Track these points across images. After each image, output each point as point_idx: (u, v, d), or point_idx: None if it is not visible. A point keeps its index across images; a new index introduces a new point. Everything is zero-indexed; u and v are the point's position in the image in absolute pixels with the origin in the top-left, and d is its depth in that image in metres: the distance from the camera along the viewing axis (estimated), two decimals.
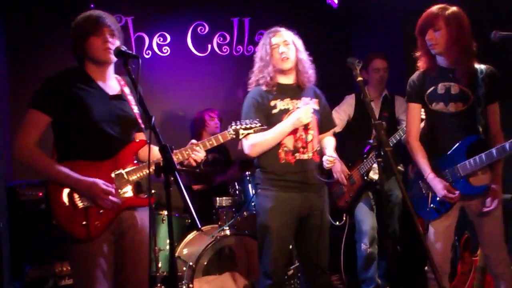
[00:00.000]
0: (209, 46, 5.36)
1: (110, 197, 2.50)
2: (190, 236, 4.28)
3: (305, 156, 3.23)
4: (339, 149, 4.46)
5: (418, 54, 3.18)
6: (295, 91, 3.31)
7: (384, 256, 4.41)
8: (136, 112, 2.70)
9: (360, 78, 2.68)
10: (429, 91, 3.13)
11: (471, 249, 3.72)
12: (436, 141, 3.16)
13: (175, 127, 5.17)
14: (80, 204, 2.50)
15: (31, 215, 4.24)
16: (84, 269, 2.52)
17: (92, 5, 4.54)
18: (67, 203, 2.49)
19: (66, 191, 2.49)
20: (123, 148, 2.62)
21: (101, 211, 2.52)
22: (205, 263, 3.99)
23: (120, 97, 2.68)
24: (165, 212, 4.31)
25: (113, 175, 2.58)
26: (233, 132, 2.92)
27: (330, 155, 3.31)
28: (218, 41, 5.38)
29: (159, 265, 4.12)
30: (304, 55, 3.31)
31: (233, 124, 2.94)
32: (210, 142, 2.81)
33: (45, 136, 2.54)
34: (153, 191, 3.87)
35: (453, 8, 3.02)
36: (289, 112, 3.23)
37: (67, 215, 2.48)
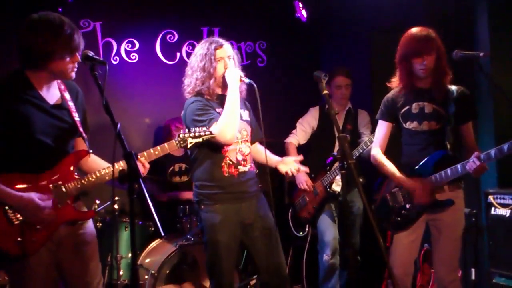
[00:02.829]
0: (178, 54, 5.34)
1: (46, 214, 2.39)
2: (153, 244, 4.25)
3: (245, 168, 3.25)
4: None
5: (397, 75, 3.25)
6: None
7: (345, 267, 4.47)
8: (77, 119, 2.58)
9: (325, 92, 2.73)
10: (403, 110, 3.24)
11: (430, 261, 3.80)
12: (406, 157, 3.27)
13: (141, 134, 5.13)
14: (15, 220, 2.38)
15: None
16: (16, 283, 2.45)
17: (60, 9, 4.49)
18: (1, 219, 2.36)
19: (0, 206, 2.36)
20: (62, 160, 2.53)
21: (38, 226, 2.41)
22: (168, 271, 3.97)
23: (61, 106, 2.56)
24: (128, 219, 4.28)
25: (51, 187, 2.47)
26: (181, 141, 2.82)
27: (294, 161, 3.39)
28: (187, 50, 5.37)
29: (121, 273, 4.07)
30: (241, 72, 3.28)
31: (181, 132, 2.86)
32: (156, 152, 2.71)
33: None
34: (116, 198, 3.89)
35: (434, 33, 3.11)
36: None
37: (1, 231, 2.35)
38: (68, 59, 2.44)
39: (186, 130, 2.89)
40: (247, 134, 3.32)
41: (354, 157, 4.16)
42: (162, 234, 1.86)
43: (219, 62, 3.19)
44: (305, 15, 5.30)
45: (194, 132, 2.83)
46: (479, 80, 4.11)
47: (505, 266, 3.53)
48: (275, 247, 3.27)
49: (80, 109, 2.65)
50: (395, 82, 3.29)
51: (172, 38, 5.32)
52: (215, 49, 3.19)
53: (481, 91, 4.07)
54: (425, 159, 3.15)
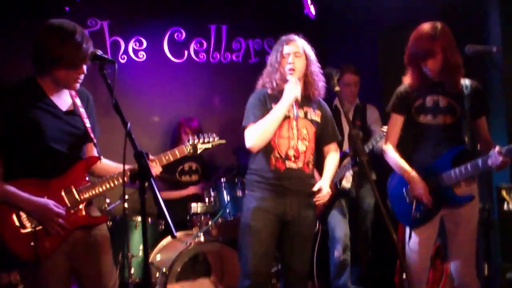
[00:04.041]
0: (186, 52, 5.34)
1: (60, 221, 2.41)
2: (164, 242, 4.25)
3: (295, 166, 3.23)
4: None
5: (408, 73, 3.20)
6: (301, 100, 3.27)
7: (356, 263, 4.46)
8: (88, 126, 2.60)
9: (337, 88, 2.72)
10: (417, 103, 3.17)
11: (442, 257, 3.78)
12: (420, 152, 3.20)
13: (149, 133, 5.12)
14: (28, 225, 2.40)
15: None
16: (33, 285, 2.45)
17: (67, 8, 4.51)
18: (14, 223, 2.38)
19: (13, 210, 2.38)
20: (73, 165, 2.55)
21: (51, 231, 2.42)
22: (179, 269, 3.96)
23: (73, 112, 2.58)
24: (139, 219, 4.28)
25: (63, 193, 2.49)
26: (190, 147, 2.94)
27: (320, 188, 3.33)
28: (195, 48, 5.36)
29: (132, 271, 4.08)
30: (315, 68, 3.30)
31: (190, 138, 2.96)
32: (167, 158, 2.78)
33: None
34: (126, 197, 3.88)
35: (443, 28, 3.03)
36: (287, 119, 3.22)
37: (14, 235, 2.37)
38: (74, 68, 2.44)
39: (195, 137, 2.97)
40: (307, 133, 3.29)
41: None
42: (174, 234, 1.85)
43: (284, 57, 3.22)
44: (313, 12, 5.27)
45: (203, 138, 2.92)
46: (491, 74, 4.07)
47: None
48: (303, 257, 3.31)
49: (91, 115, 2.67)
50: (407, 79, 3.22)
51: (179, 36, 5.31)
52: (284, 45, 3.24)
53: (493, 85, 4.03)
54: (443, 154, 3.10)
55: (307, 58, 3.26)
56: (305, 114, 3.28)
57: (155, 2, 5.19)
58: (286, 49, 3.22)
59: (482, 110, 3.15)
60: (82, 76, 2.50)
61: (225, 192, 4.33)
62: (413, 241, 3.19)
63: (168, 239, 4.25)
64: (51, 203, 2.41)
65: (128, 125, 2.12)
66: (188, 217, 4.38)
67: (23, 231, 2.39)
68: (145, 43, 5.15)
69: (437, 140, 3.14)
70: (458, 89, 3.10)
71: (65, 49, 2.39)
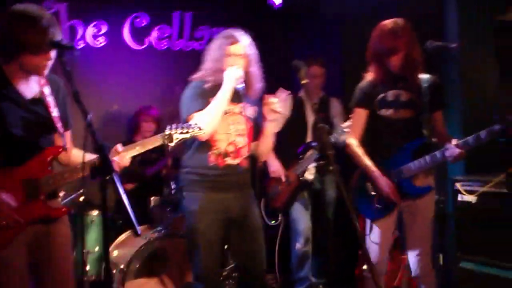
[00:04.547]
0: (147, 39, 5.19)
1: (12, 213, 2.33)
2: (122, 237, 4.10)
3: (234, 162, 3.20)
4: (274, 149, 4.49)
5: (371, 69, 3.24)
6: (237, 96, 3.23)
7: (317, 255, 4.48)
8: (55, 115, 2.51)
9: (305, 81, 2.71)
10: (379, 98, 3.23)
11: (400, 247, 3.83)
12: (381, 145, 3.27)
13: (109, 123, 4.96)
14: None
15: None
16: None
17: None
18: None
19: None
20: (36, 155, 2.45)
21: (3, 222, 2.33)
22: (137, 266, 3.83)
23: (38, 100, 2.49)
24: (94, 213, 4.15)
25: (22, 183, 2.40)
26: (166, 137, 2.67)
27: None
28: (157, 34, 5.22)
29: (87, 268, 3.95)
30: (255, 68, 3.27)
31: (167, 128, 2.72)
32: (137, 148, 2.62)
33: None
34: (82, 190, 3.74)
35: (405, 24, 3.08)
36: (224, 116, 3.16)
37: None
38: (40, 54, 2.34)
39: (173, 126, 2.73)
40: (244, 128, 3.25)
41: None
42: (139, 232, 1.77)
43: (228, 58, 3.17)
44: (277, 2, 5.21)
45: (182, 127, 2.71)
46: (447, 69, 4.14)
47: (471, 252, 3.62)
48: (257, 250, 3.24)
49: (61, 104, 2.57)
50: (369, 75, 3.28)
51: (141, 22, 5.16)
52: (229, 44, 3.18)
53: (449, 80, 4.10)
54: (404, 147, 3.18)
55: (249, 59, 3.24)
56: (242, 110, 3.26)
57: None
58: (231, 49, 3.17)
59: (439, 104, 3.24)
60: (49, 63, 2.39)
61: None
62: (374, 233, 3.26)
63: (126, 234, 4.11)
64: (1, 193, 2.33)
65: (89, 116, 2.00)
66: (147, 211, 4.25)
67: None
68: (104, 28, 4.97)
69: (398, 134, 3.21)
70: (418, 84, 3.17)
71: (30, 34, 2.29)
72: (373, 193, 3.25)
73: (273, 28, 5.66)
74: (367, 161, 3.23)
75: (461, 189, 3.64)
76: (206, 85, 3.18)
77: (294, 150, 4.41)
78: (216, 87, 3.15)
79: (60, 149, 2.53)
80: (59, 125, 2.52)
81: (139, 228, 1.82)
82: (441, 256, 3.91)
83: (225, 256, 4.06)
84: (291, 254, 4.49)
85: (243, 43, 3.21)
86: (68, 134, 2.63)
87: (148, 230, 4.05)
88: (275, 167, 4.41)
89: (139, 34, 5.16)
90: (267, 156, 3.40)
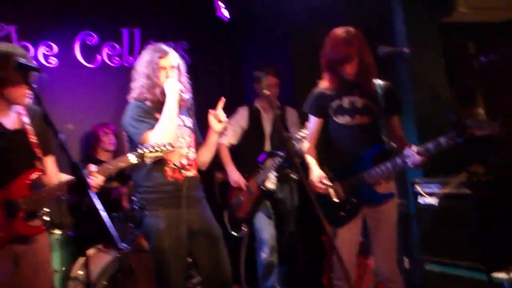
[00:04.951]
0: (99, 56, 5.18)
1: None
2: (87, 255, 3.89)
3: (190, 173, 3.22)
4: (234, 160, 4.55)
5: (325, 77, 3.25)
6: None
7: (283, 264, 4.52)
8: (34, 142, 2.69)
9: (267, 92, 2.74)
10: (334, 105, 3.24)
11: (364, 253, 3.87)
12: (339, 152, 3.28)
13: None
14: None
15: None
16: None
17: None
18: None
19: None
20: (16, 178, 2.63)
21: None
22: (104, 283, 3.81)
23: (19, 131, 2.70)
24: (57, 232, 4.07)
25: (2, 203, 2.57)
26: (139, 157, 2.79)
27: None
28: (108, 52, 5.21)
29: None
30: (184, 79, 3.29)
31: (138, 148, 2.81)
32: (110, 169, 2.75)
33: None
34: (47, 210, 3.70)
35: (357, 32, 3.11)
36: None
37: None
38: (19, 86, 2.54)
39: (147, 145, 2.82)
40: (191, 140, 3.28)
41: (283, 154, 4.23)
42: (120, 246, 1.81)
43: (162, 71, 3.16)
44: (226, 14, 5.28)
45: (153, 147, 2.80)
46: (398, 73, 4.25)
47: (435, 253, 3.66)
48: (221, 258, 3.24)
49: (40, 132, 2.74)
50: (323, 83, 3.29)
51: (91, 40, 5.14)
52: (159, 58, 3.17)
53: (401, 83, 4.21)
54: (363, 153, 3.19)
55: (179, 71, 3.27)
56: (184, 121, 3.28)
57: (64, 5, 5.00)
58: (163, 62, 3.18)
59: (395, 109, 3.27)
60: (28, 92, 2.58)
61: None
62: (339, 240, 3.23)
63: (91, 252, 4.06)
64: None
65: (61, 136, 2.03)
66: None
67: None
68: (56, 48, 4.93)
69: (356, 140, 3.22)
70: (373, 90, 3.21)
71: (8, 70, 2.49)
72: (336, 200, 3.24)
73: (222, 40, 5.73)
74: (310, 161, 3.28)
75: (421, 191, 3.71)
76: (147, 103, 3.17)
77: (253, 160, 4.46)
78: (157, 103, 3.15)
79: (36, 172, 2.67)
80: (37, 150, 2.70)
81: (120, 242, 1.84)
82: (406, 259, 4.00)
83: (188, 268, 4.07)
84: (256, 264, 4.50)
85: (173, 55, 3.24)
86: (50, 159, 2.81)
87: (112, 247, 4.01)
88: (236, 177, 4.46)
89: (90, 52, 5.15)
90: (206, 166, 3.42)
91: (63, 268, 4.02)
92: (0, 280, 2.55)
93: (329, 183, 3.18)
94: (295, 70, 5.23)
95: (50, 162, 2.82)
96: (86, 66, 5.12)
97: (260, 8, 5.27)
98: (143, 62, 3.21)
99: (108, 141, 4.72)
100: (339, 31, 3.14)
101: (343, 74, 3.13)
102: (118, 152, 4.67)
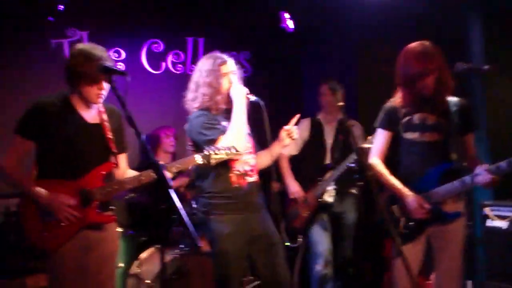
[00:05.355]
0: (163, 64, 5.33)
1: (69, 210, 2.69)
2: (145, 254, 4.12)
3: (252, 179, 3.27)
4: (294, 171, 4.56)
5: (399, 93, 3.20)
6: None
7: (337, 278, 4.49)
8: (110, 138, 2.87)
9: (341, 103, 2.75)
10: (404, 120, 3.19)
11: (424, 273, 3.79)
12: (407, 168, 3.21)
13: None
14: (45, 217, 2.70)
15: None
16: (52, 281, 2.77)
17: (50, 18, 4.47)
18: (34, 216, 2.71)
19: (34, 205, 2.71)
20: (92, 169, 2.81)
21: (62, 224, 2.70)
22: (161, 282, 3.87)
23: (97, 125, 2.87)
24: (119, 229, 4.17)
25: (76, 192, 2.76)
26: (204, 158, 2.88)
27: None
28: (173, 60, 5.36)
29: None
30: (246, 89, 3.31)
31: (205, 149, 2.90)
32: (177, 165, 2.89)
33: None
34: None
35: (434, 47, 3.06)
36: None
37: (33, 226, 2.71)
38: (93, 84, 2.72)
39: (213, 148, 2.91)
40: (251, 146, 3.33)
41: (345, 168, 4.21)
42: (199, 244, 1.89)
43: (224, 77, 3.22)
44: (291, 26, 5.33)
45: (219, 149, 2.90)
46: (473, 92, 4.15)
47: (501, 278, 3.56)
48: (281, 265, 3.26)
49: (116, 129, 2.93)
50: (397, 100, 3.22)
51: (157, 48, 5.29)
52: (220, 65, 3.23)
53: (475, 103, 4.10)
54: (430, 171, 3.12)
55: (237, 75, 3.31)
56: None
57: (134, 14, 5.17)
58: (224, 69, 3.24)
59: (469, 126, 3.18)
60: (103, 92, 2.77)
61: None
62: (400, 259, 3.07)
63: (150, 251, 4.14)
64: (61, 195, 2.71)
65: (143, 137, 2.12)
66: (170, 229, 4.27)
67: (40, 223, 2.71)
68: (123, 54, 5.10)
69: (424, 157, 3.15)
70: (446, 107, 3.13)
71: (85, 67, 2.69)
72: (399, 217, 3.19)
73: (285, 51, 5.77)
74: (394, 181, 3.18)
75: (490, 214, 3.61)
76: (212, 111, 3.22)
77: (313, 172, 4.47)
78: (221, 110, 3.22)
79: (112, 165, 2.88)
80: (112, 146, 2.89)
81: (198, 240, 1.90)
82: (469, 283, 3.88)
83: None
84: (310, 277, 4.47)
85: (231, 61, 3.29)
86: (123, 156, 3.01)
87: (171, 248, 4.10)
88: (294, 188, 4.46)
89: (155, 59, 5.31)
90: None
91: (123, 265, 4.13)
92: (70, 264, 2.72)
93: (428, 206, 3.07)
94: (359, 84, 5.22)
95: (122, 159, 3.00)
96: (151, 72, 5.28)
97: (324, 20, 5.30)
98: (203, 72, 3.26)
99: (168, 143, 4.84)
100: (415, 45, 3.09)
101: (419, 89, 3.06)
102: (176, 155, 4.79)
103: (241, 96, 3.18)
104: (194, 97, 3.28)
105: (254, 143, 3.40)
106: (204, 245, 4.03)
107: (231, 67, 3.26)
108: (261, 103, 3.19)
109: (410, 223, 3.14)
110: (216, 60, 3.25)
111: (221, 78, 3.20)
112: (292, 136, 3.28)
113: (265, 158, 3.40)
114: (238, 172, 3.20)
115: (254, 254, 3.25)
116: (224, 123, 3.20)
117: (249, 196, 3.22)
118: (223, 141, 3.06)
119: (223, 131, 3.12)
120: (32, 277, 4.03)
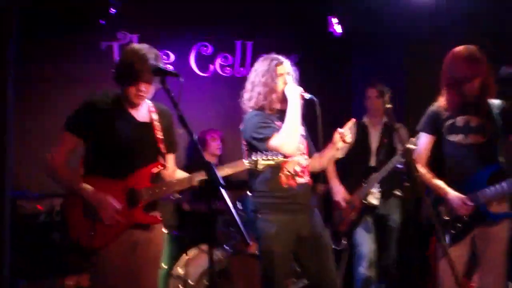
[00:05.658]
0: (212, 66, 5.43)
1: (114, 212, 2.67)
2: (190, 254, 4.21)
3: (303, 180, 3.29)
4: (340, 174, 4.57)
5: (444, 96, 3.24)
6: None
7: (381, 280, 4.48)
8: (160, 137, 2.84)
9: (389, 105, 2.78)
10: (448, 123, 3.22)
11: (468, 274, 3.77)
12: (450, 171, 3.25)
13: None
14: (90, 216, 2.67)
15: (28, 229, 4.22)
16: (95, 280, 2.78)
17: (102, 21, 4.60)
18: (79, 214, 2.69)
19: (81, 202, 2.69)
20: (139, 169, 2.78)
21: (108, 223, 2.68)
22: (206, 283, 3.97)
23: (147, 124, 2.84)
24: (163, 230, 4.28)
25: (123, 192, 2.73)
26: (251, 162, 2.90)
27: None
28: (221, 62, 5.44)
29: None
30: (301, 88, 3.34)
31: (253, 154, 2.93)
32: (227, 170, 2.86)
33: None
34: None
35: (481, 52, 3.09)
36: None
37: (79, 225, 2.68)
38: (135, 85, 2.71)
39: (260, 153, 2.94)
40: (304, 147, 3.36)
41: (388, 170, 4.21)
42: (248, 241, 1.94)
43: (279, 78, 3.26)
44: (339, 30, 5.35)
45: (267, 155, 2.92)
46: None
47: None
48: (329, 268, 3.29)
49: (166, 129, 2.90)
50: (442, 102, 3.26)
51: (206, 50, 5.40)
52: (276, 65, 3.27)
53: None
54: (478, 172, 3.13)
55: (293, 77, 3.34)
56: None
57: (183, 17, 5.28)
58: (280, 69, 3.27)
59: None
60: (143, 94, 2.74)
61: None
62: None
63: (194, 252, 4.22)
64: (109, 197, 2.68)
65: (195, 137, 2.18)
66: (214, 231, 4.36)
67: (86, 221, 2.68)
68: (172, 57, 5.22)
69: (469, 160, 3.17)
70: (488, 109, 3.15)
71: (126, 68, 2.69)
72: (446, 218, 3.21)
73: (333, 54, 5.80)
74: (439, 183, 3.22)
75: None
76: (266, 111, 3.27)
77: (357, 174, 4.47)
78: (275, 110, 3.26)
79: (159, 166, 2.84)
80: (162, 146, 2.86)
81: (249, 238, 1.95)
82: (510, 285, 3.83)
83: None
84: (354, 278, 4.49)
85: (287, 63, 3.33)
86: (171, 157, 2.99)
87: (215, 249, 4.14)
88: (339, 191, 4.47)
89: (204, 61, 5.43)
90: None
91: (166, 266, 4.20)
92: (114, 264, 2.70)
93: (471, 203, 3.12)
94: (408, 87, 5.20)
95: (171, 159, 2.97)
96: (199, 74, 5.39)
97: (372, 22, 5.29)
98: (259, 72, 3.31)
99: (215, 146, 4.91)
100: (462, 49, 3.13)
101: (464, 92, 3.10)
102: (222, 158, 4.87)
103: (295, 95, 3.20)
104: (250, 96, 3.34)
105: (309, 145, 3.43)
106: (252, 246, 4.14)
107: (287, 68, 3.31)
108: (316, 100, 3.22)
109: (457, 224, 3.16)
110: (272, 61, 3.30)
111: (277, 78, 3.25)
112: (346, 139, 3.27)
113: (318, 162, 3.43)
114: (288, 173, 3.23)
115: (302, 255, 3.29)
116: (278, 123, 3.24)
117: (299, 197, 3.24)
118: (276, 139, 3.10)
119: (277, 130, 3.16)
120: (73, 277, 4.05)
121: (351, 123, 3.32)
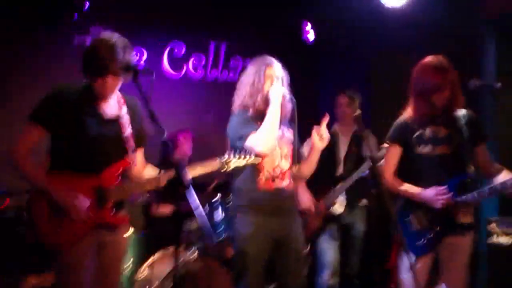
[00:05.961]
0: (185, 66, 5.39)
1: (82, 209, 2.58)
2: (154, 257, 4.13)
3: (282, 184, 3.28)
4: (307, 182, 4.57)
5: (411, 106, 3.25)
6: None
7: None
8: (128, 133, 2.76)
9: (358, 112, 2.79)
10: (416, 134, 3.22)
11: (430, 284, 3.80)
12: (421, 182, 3.22)
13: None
14: (56, 213, 2.57)
15: None
16: (60, 280, 2.68)
17: (75, 15, 4.53)
18: (46, 211, 2.58)
19: (46, 199, 2.58)
20: (108, 166, 2.70)
21: (75, 221, 2.59)
22: (170, 285, 3.91)
23: (115, 120, 2.75)
24: (130, 231, 4.21)
25: (92, 189, 2.65)
26: (224, 163, 2.89)
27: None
28: (194, 63, 5.41)
29: None
30: (286, 91, 3.34)
31: (226, 154, 2.91)
32: (198, 169, 2.82)
33: None
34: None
35: (449, 62, 3.11)
36: None
37: (45, 221, 2.58)
38: (101, 77, 2.64)
39: (232, 153, 2.92)
40: (288, 151, 3.34)
41: (356, 179, 4.24)
42: (215, 241, 1.93)
43: (267, 80, 3.26)
44: (311, 37, 5.39)
45: (239, 155, 2.90)
46: (483, 107, 4.18)
47: None
48: (298, 273, 3.30)
49: (135, 123, 2.82)
50: (409, 113, 3.27)
51: (179, 50, 5.35)
52: (265, 67, 3.28)
53: (485, 119, 4.10)
54: (448, 182, 3.12)
55: (283, 81, 3.34)
56: (283, 132, 3.33)
57: (158, 14, 5.22)
58: (269, 71, 3.27)
59: (480, 137, 3.22)
60: (110, 85, 2.67)
61: (220, 209, 4.30)
62: (419, 270, 3.10)
63: (159, 254, 4.13)
64: (76, 193, 2.60)
65: (165, 134, 2.14)
66: (180, 234, 4.30)
67: (52, 218, 2.58)
68: (145, 54, 5.16)
69: (438, 170, 3.17)
70: (455, 119, 3.18)
71: (106, 59, 2.61)
72: (417, 227, 3.20)
73: (302, 61, 5.80)
74: (409, 188, 3.21)
75: (496, 230, 3.62)
76: (250, 111, 3.26)
77: (325, 181, 4.46)
78: (259, 111, 3.23)
79: (128, 164, 2.76)
80: (130, 142, 2.77)
81: (214, 238, 1.92)
82: None
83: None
84: (316, 286, 4.49)
85: (278, 66, 3.33)
86: (140, 151, 2.89)
87: (182, 252, 4.10)
88: (305, 198, 4.46)
89: (177, 61, 5.38)
90: (305, 179, 3.47)
91: (131, 268, 4.13)
92: (80, 263, 2.63)
93: (449, 193, 3.11)
94: (373, 95, 5.24)
95: (140, 154, 2.90)
96: (171, 74, 5.36)
97: (340, 32, 5.36)
98: (249, 72, 3.33)
99: (187, 146, 4.86)
100: (433, 59, 3.14)
101: (433, 102, 3.12)
102: (193, 159, 4.82)
103: (278, 96, 3.19)
104: (237, 96, 3.35)
105: (294, 151, 3.40)
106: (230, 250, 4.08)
107: (277, 71, 3.30)
108: (293, 100, 3.25)
109: (427, 235, 3.16)
110: (263, 61, 3.32)
111: (264, 79, 3.25)
112: (323, 137, 3.27)
113: (306, 167, 3.42)
114: (266, 175, 3.23)
115: (275, 258, 3.28)
116: (260, 124, 3.21)
117: (276, 200, 3.23)
118: (252, 138, 3.10)
119: (256, 130, 3.14)
120: (36, 276, 3.95)
121: (326, 119, 3.31)
